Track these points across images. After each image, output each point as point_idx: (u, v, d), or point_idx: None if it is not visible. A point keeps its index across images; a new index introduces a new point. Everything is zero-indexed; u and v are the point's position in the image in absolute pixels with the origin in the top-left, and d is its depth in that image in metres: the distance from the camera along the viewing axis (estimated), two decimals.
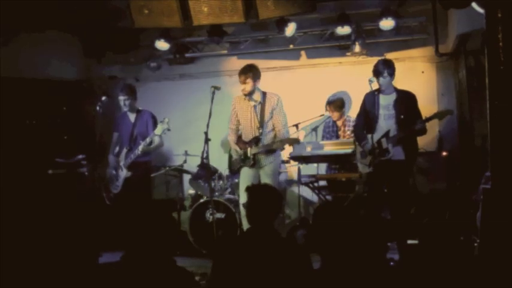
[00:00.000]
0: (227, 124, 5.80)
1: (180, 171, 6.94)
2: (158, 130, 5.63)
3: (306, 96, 7.22)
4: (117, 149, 6.15)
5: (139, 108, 6.16)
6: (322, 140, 6.65)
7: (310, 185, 6.29)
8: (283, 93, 5.77)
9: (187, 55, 7.60)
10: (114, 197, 6.00)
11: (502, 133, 3.30)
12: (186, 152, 6.86)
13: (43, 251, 4.14)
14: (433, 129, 6.36)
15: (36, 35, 6.89)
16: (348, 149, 5.83)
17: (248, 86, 5.47)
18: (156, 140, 5.83)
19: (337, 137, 6.66)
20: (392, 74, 5.23)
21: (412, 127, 5.07)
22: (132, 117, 6.08)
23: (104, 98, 6.34)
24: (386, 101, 5.26)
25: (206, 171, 5.93)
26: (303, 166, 6.30)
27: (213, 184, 6.18)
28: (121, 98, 6.02)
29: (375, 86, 5.30)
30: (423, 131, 5.17)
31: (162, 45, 7.13)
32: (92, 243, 4.88)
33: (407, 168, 5.28)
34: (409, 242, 5.02)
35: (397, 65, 5.35)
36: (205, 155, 5.44)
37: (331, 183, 6.35)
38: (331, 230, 3.00)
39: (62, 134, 7.16)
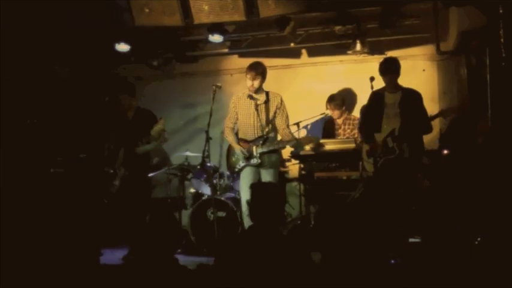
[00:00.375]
0: (225, 122, 5.76)
1: (181, 169, 6.93)
2: (154, 131, 5.62)
3: (307, 94, 7.22)
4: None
5: (139, 106, 6.15)
6: (322, 138, 6.64)
7: (311, 183, 6.28)
8: (284, 92, 5.76)
9: (188, 54, 7.59)
10: (111, 196, 5.98)
11: (503, 130, 3.30)
12: (187, 150, 6.86)
13: (44, 250, 4.15)
14: (435, 127, 6.35)
15: None
16: (348, 147, 5.83)
17: (256, 83, 5.44)
18: (153, 140, 5.80)
19: (336, 135, 6.65)
20: (397, 71, 5.23)
21: (414, 126, 5.08)
22: (130, 115, 6.05)
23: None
24: (391, 100, 5.26)
25: (207, 170, 5.93)
26: (303, 164, 6.31)
27: (214, 182, 6.18)
28: (122, 96, 6.00)
29: (376, 84, 5.30)
30: (429, 129, 5.17)
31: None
32: (93, 242, 4.89)
33: (412, 167, 5.28)
34: (411, 240, 5.02)
35: None
36: (206, 153, 5.44)
37: (331, 182, 6.34)
38: (333, 228, 3.01)
39: (64, 132, 7.15)
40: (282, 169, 6.60)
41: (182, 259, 3.33)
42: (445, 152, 6.61)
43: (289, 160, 6.63)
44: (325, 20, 7.05)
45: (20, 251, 4.09)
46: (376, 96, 5.29)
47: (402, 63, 5.48)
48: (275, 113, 5.51)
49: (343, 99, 6.73)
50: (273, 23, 6.49)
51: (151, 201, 6.33)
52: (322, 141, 6.14)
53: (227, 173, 6.33)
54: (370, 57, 6.77)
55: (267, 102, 5.52)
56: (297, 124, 6.44)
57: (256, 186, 3.54)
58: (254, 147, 5.50)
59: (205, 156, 5.47)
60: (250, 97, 5.53)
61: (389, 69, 5.18)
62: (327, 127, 6.81)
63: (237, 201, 6.01)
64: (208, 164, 6.02)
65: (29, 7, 5.91)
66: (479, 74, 6.22)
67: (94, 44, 6.86)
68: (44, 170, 6.31)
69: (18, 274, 3.61)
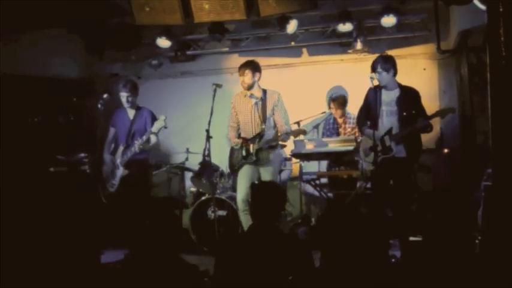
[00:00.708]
0: (228, 122, 5.79)
1: (182, 168, 6.93)
2: (155, 128, 5.61)
3: (308, 93, 7.22)
4: (113, 146, 6.12)
5: (139, 105, 6.15)
6: (323, 137, 6.64)
7: (312, 182, 6.29)
8: (284, 91, 5.76)
9: (188, 53, 7.60)
10: (111, 196, 5.97)
11: (503, 130, 3.29)
12: (187, 149, 6.86)
13: (44, 249, 4.14)
14: (435, 126, 6.33)
15: (38, 33, 6.89)
16: (349, 146, 5.82)
17: (247, 78, 5.46)
18: (153, 138, 5.80)
19: (338, 134, 6.65)
20: (388, 69, 5.15)
21: (415, 125, 5.05)
22: (131, 113, 6.04)
23: (105, 95, 6.31)
24: (389, 97, 5.21)
25: (208, 168, 5.93)
26: (304, 163, 6.30)
27: (215, 181, 6.18)
28: (124, 94, 5.97)
29: (376, 83, 5.27)
30: (428, 128, 5.12)
31: (163, 43, 7.14)
32: (94, 241, 4.89)
33: (408, 166, 5.26)
34: (411, 239, 5.02)
35: (398, 62, 5.30)
36: (206, 152, 5.44)
37: (332, 181, 6.34)
38: (333, 227, 3.00)
39: (64, 131, 7.15)
40: (284, 168, 6.61)
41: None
42: (446, 151, 6.61)
43: (290, 159, 6.63)
44: (325, 19, 7.06)
45: (20, 251, 4.09)
46: (373, 93, 5.23)
47: (403, 62, 5.48)
48: (272, 110, 5.51)
49: (345, 98, 6.72)
50: (275, 21, 6.50)
51: (152, 201, 6.32)
52: (323, 139, 6.14)
53: (227, 171, 6.32)
54: (371, 56, 6.76)
55: (263, 99, 5.52)
56: (297, 123, 6.43)
57: (258, 186, 3.55)
58: (251, 145, 5.51)
59: (206, 155, 5.47)
60: (249, 95, 5.54)
61: (377, 66, 5.12)
62: (330, 126, 6.80)
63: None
64: (209, 163, 6.01)
65: None
66: (479, 73, 6.23)
67: None
68: (44, 170, 6.31)
69: (18, 274, 3.60)
